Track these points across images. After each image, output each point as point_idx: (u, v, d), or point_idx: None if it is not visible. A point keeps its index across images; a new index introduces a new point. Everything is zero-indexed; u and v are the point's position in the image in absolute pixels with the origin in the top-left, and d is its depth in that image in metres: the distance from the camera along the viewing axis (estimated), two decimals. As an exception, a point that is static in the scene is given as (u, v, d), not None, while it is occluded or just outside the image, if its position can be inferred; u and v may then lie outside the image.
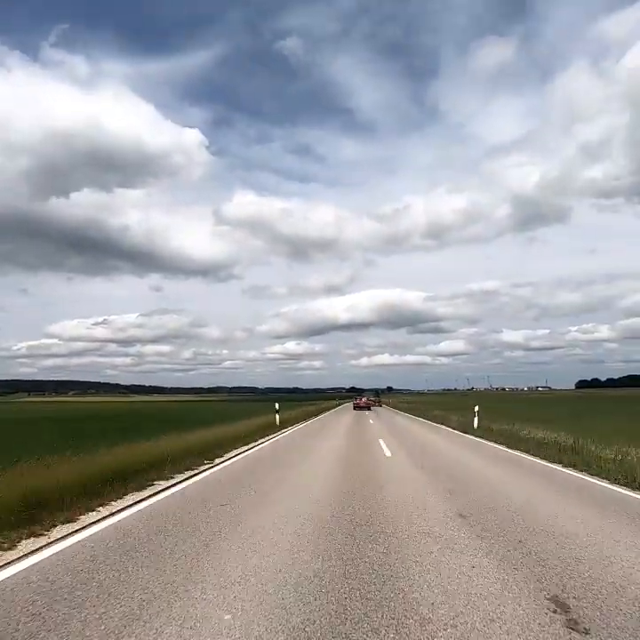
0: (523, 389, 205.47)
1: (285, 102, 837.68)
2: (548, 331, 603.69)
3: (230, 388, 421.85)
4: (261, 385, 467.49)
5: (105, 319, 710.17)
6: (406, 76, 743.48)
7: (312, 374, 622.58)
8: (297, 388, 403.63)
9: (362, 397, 59.06)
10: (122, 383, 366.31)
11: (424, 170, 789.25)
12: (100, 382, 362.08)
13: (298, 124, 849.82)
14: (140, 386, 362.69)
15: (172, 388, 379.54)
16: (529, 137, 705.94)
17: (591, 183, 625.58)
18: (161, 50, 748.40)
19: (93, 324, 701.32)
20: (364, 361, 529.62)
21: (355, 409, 48.94)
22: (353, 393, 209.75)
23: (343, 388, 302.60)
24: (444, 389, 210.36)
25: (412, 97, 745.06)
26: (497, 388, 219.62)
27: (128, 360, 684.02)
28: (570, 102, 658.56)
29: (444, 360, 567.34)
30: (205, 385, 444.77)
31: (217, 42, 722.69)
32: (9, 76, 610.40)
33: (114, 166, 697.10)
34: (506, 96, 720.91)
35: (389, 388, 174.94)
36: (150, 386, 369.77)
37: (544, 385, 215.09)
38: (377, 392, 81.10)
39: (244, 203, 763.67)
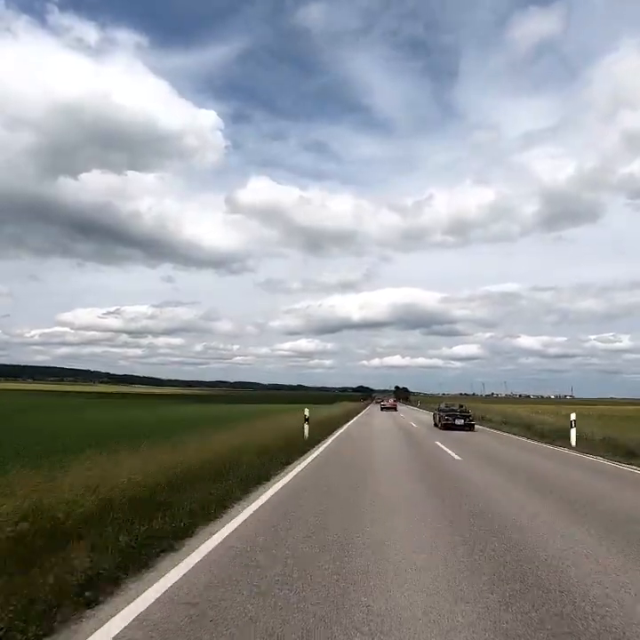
0: (549, 397, 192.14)
1: (301, 98, 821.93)
2: (566, 338, 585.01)
3: (232, 383, 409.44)
4: (265, 381, 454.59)
5: (117, 309, 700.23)
6: (428, 70, 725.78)
7: (318, 373, 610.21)
8: (301, 385, 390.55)
9: (389, 398, 65.25)
10: (111, 372, 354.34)
11: (447, 166, 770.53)
12: (84, 370, 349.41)
13: (314, 120, 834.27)
14: (132, 376, 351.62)
15: (168, 379, 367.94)
16: (564, 125, 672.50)
17: (628, 179, 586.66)
18: (180, 42, 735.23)
19: (105, 314, 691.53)
20: (376, 362, 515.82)
21: (382, 410, 48.75)
22: (359, 392, 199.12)
23: (350, 388, 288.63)
24: (460, 394, 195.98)
25: (434, 93, 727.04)
26: (519, 395, 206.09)
27: (139, 351, 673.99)
28: (615, 85, 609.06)
29: (457, 364, 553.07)
30: (208, 379, 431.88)
31: (235, 36, 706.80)
32: (15, 43, 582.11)
33: (125, 145, 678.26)
34: (538, 81, 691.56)
35: (405, 389, 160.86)
36: (145, 377, 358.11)
37: (569, 393, 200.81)
38: (405, 390, 77.75)
39: (259, 189, 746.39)
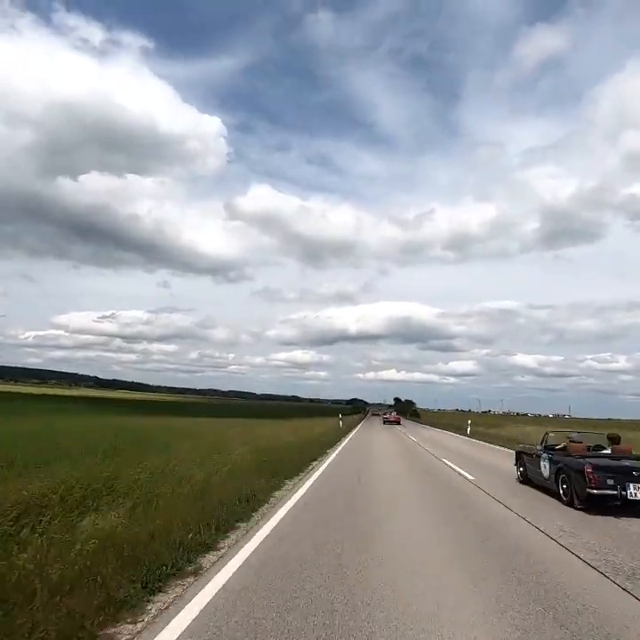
0: (547, 416, 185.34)
1: (306, 111, 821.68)
2: (562, 357, 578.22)
3: (225, 392, 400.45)
4: (259, 391, 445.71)
5: (113, 313, 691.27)
6: (432, 88, 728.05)
7: (312, 384, 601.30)
8: (295, 396, 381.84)
9: (392, 412, 66.75)
10: (99, 376, 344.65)
11: (448, 183, 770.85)
12: (70, 373, 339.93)
13: (317, 133, 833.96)
14: (120, 381, 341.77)
15: (155, 385, 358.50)
16: (567, 143, 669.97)
17: (629, 200, 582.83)
18: (187, 50, 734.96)
19: (100, 318, 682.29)
20: (370, 375, 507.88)
21: (385, 423, 49.50)
22: (351, 405, 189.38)
23: (343, 400, 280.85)
24: (457, 410, 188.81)
25: (437, 111, 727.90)
26: (517, 413, 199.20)
27: (133, 357, 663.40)
28: (619, 105, 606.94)
29: (452, 380, 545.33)
30: (200, 387, 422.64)
31: (242, 48, 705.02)
32: (19, 40, 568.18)
33: (125, 148, 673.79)
34: (541, 99, 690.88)
35: (409, 402, 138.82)
36: (132, 382, 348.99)
37: (567, 413, 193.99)
38: (408, 403, 72.10)
39: (260, 196, 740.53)
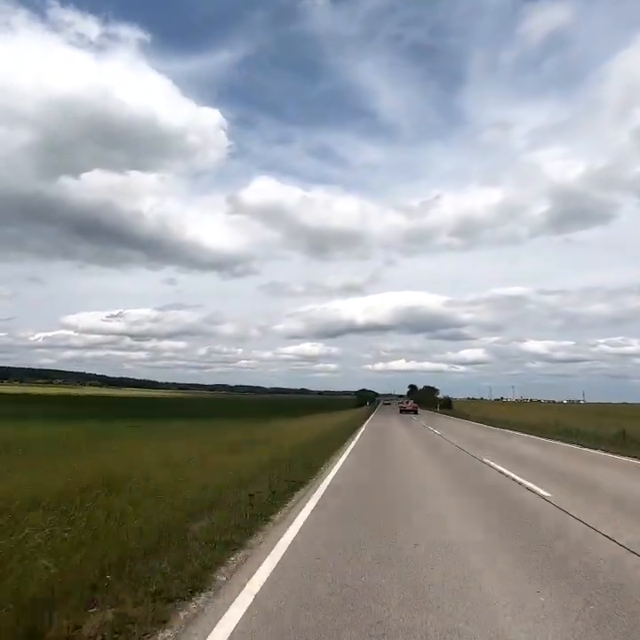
0: (562, 402, 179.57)
1: (306, 103, 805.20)
2: (573, 342, 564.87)
3: (233, 387, 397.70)
4: (267, 385, 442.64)
5: (120, 312, 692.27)
6: (433, 73, 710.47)
7: (322, 377, 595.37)
8: (304, 388, 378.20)
9: (408, 401, 64.47)
10: (108, 375, 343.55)
11: (454, 169, 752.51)
12: (77, 372, 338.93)
13: (318, 125, 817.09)
14: (128, 379, 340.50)
15: (164, 382, 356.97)
16: (575, 123, 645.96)
17: None
18: (183, 44, 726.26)
19: (108, 317, 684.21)
20: (380, 366, 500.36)
21: (401, 412, 49.75)
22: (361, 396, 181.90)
23: (352, 392, 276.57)
24: (468, 398, 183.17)
25: (440, 96, 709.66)
26: (530, 400, 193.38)
27: (143, 355, 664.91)
28: (628, 82, 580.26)
29: (461, 368, 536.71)
30: (208, 382, 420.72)
31: (238, 40, 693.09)
32: (14, 38, 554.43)
33: (125, 143, 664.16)
34: (547, 78, 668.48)
35: (430, 389, 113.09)
36: (141, 380, 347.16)
37: (581, 398, 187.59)
38: (429, 391, 66.89)
39: (262, 189, 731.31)
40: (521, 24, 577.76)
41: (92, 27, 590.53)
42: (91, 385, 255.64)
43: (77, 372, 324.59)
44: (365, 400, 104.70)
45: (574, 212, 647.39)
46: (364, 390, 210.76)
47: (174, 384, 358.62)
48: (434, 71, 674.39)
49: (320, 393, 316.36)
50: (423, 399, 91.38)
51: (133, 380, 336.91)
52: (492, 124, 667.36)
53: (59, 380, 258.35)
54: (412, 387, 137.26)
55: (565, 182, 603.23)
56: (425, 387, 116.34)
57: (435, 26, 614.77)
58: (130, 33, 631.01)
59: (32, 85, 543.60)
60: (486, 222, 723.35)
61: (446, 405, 78.43)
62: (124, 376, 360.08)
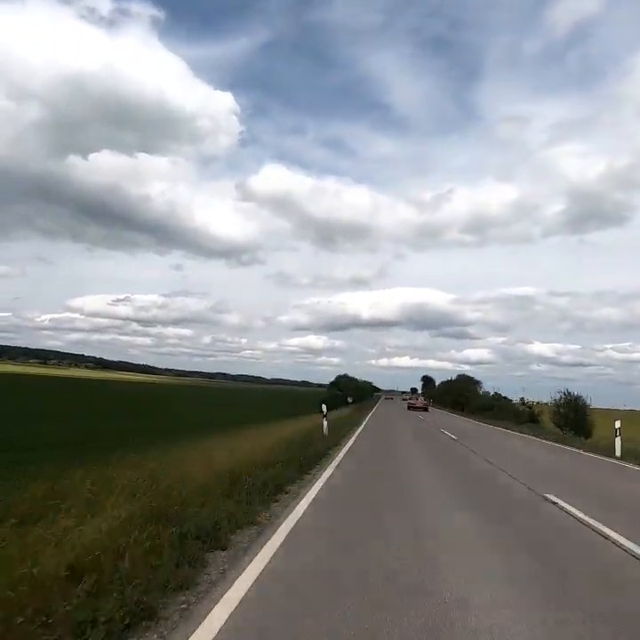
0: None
1: (320, 93, 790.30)
2: (579, 346, 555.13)
3: (233, 376, 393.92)
4: (269, 375, 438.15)
5: (127, 297, 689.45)
6: (451, 63, 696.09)
7: (325, 370, 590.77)
8: (306, 381, 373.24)
9: (418, 397, 60.55)
10: (106, 358, 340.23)
11: (468, 165, 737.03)
12: (71, 353, 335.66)
13: (331, 115, 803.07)
14: (125, 362, 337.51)
15: (163, 368, 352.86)
16: (596, 119, 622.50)
17: None
18: (197, 28, 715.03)
19: (114, 301, 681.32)
20: (383, 361, 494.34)
21: (409, 409, 45.31)
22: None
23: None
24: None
25: (457, 89, 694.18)
26: (537, 402, 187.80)
27: (148, 340, 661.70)
28: None
29: (466, 367, 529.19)
30: (207, 370, 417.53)
31: (254, 27, 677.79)
32: (24, 8, 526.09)
33: (136, 125, 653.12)
34: (567, 73, 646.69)
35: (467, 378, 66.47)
36: (140, 364, 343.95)
37: (589, 402, 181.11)
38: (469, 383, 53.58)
39: (273, 177, 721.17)
40: (544, 15, 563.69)
41: (103, 1, 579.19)
42: (86, 367, 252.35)
43: (77, 354, 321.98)
44: (342, 399, 51.34)
45: (591, 212, 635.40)
46: (346, 377, 76.05)
47: (169, 370, 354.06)
48: (450, 63, 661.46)
49: (319, 385, 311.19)
50: (432, 393, 69.79)
51: (131, 364, 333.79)
52: (508, 119, 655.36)
53: (53, 361, 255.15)
54: (427, 377, 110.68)
55: (584, 181, 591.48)
56: (459, 376, 65.84)
57: (453, 18, 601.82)
58: (142, 9, 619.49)
59: (42, 60, 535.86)
60: (499, 219, 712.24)
61: (488, 408, 46.76)
62: (122, 360, 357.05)
